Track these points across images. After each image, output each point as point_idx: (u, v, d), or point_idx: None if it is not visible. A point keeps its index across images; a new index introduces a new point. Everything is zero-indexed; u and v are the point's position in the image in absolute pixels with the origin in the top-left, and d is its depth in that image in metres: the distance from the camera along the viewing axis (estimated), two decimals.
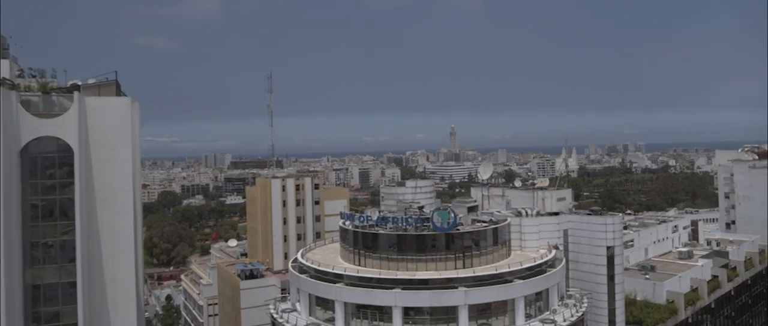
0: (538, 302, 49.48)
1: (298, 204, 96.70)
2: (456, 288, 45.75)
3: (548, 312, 49.54)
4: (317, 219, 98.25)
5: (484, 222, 54.51)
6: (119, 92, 46.07)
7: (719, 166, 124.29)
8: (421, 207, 56.42)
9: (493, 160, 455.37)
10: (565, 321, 48.40)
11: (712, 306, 74.67)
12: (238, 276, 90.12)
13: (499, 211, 59.91)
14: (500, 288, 46.44)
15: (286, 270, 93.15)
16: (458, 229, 50.43)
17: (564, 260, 53.84)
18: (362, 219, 52.77)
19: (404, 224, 50.72)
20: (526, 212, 58.06)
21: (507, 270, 48.07)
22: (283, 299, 57.54)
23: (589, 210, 60.60)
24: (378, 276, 47.51)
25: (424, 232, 50.05)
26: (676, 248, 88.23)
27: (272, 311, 53.72)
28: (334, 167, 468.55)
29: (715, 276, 78.85)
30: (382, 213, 54.58)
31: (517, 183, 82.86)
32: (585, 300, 52.84)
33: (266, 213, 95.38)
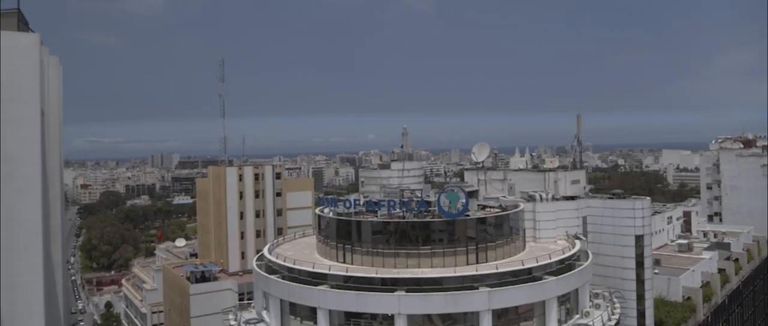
0: (566, 303, 39.92)
1: (257, 196, 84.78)
2: (476, 288, 35.58)
3: (579, 315, 40.08)
4: (279, 213, 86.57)
5: (494, 208, 44.66)
6: (24, 27, 33.71)
7: (701, 156, 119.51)
8: (413, 192, 46.07)
9: (446, 160, 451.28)
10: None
11: (726, 302, 67.37)
12: (188, 279, 77.51)
13: (504, 196, 50.20)
14: (531, 287, 36.60)
15: (244, 272, 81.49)
16: (468, 215, 40.37)
17: (589, 253, 44.51)
18: (347, 204, 41.96)
19: (402, 209, 40.26)
20: (540, 196, 48.55)
21: (535, 264, 38.22)
22: (245, 306, 46.07)
23: (610, 194, 51.69)
24: (374, 275, 36.76)
25: (428, 219, 39.76)
26: (672, 240, 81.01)
27: (232, 322, 42.23)
28: (286, 166, 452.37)
29: (721, 270, 71.79)
30: (368, 197, 43.91)
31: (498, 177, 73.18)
32: (616, 301, 43.69)
33: (220, 206, 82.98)
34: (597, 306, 42.19)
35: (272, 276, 40.04)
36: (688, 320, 57.94)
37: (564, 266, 39.86)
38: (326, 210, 44.14)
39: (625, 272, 48.01)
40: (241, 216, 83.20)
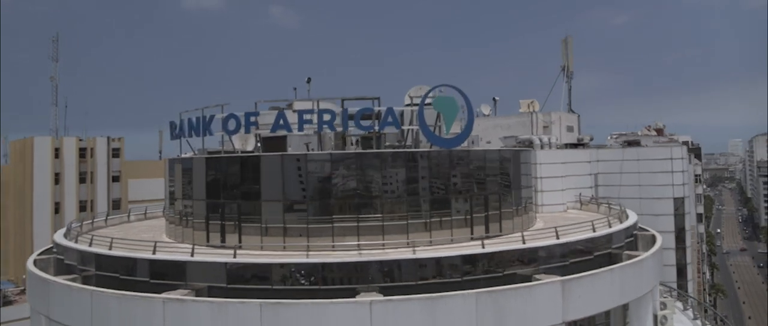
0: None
1: (83, 180, 58.95)
2: (528, 278, 16.64)
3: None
4: (116, 206, 61.14)
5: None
6: None
7: None
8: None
9: None
10: None
11: None
12: None
13: (488, 142, 32.21)
14: (615, 275, 18.28)
15: None
16: (470, 149, 21.70)
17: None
18: (231, 125, 20.76)
19: (342, 128, 20.37)
20: (541, 141, 31.09)
21: (604, 232, 20.22)
22: None
23: (624, 142, 35.96)
24: (305, 260, 16.38)
25: (401, 149, 20.40)
26: None
27: None
28: None
29: None
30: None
31: None
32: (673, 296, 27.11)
33: (25, 197, 56.20)
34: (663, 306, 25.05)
35: (69, 282, 17.91)
36: None
37: (631, 242, 22.37)
38: (188, 153, 23.09)
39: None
40: (57, 209, 56.94)
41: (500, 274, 17.41)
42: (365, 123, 20.68)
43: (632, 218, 23.63)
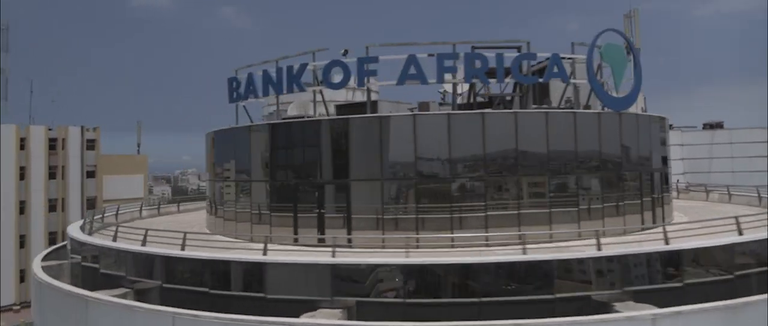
0: None
1: (52, 176, 51.57)
2: None
3: None
4: (91, 205, 53.87)
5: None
6: None
7: None
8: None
9: None
10: None
11: None
12: None
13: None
14: None
15: (24, 304, 47.57)
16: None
17: None
18: (337, 72, 15.50)
19: (480, 82, 15.50)
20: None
21: None
22: None
23: (705, 124, 32.07)
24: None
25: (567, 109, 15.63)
26: None
27: None
28: None
29: None
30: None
31: None
32: None
33: None
34: None
35: (112, 298, 12.14)
36: None
37: None
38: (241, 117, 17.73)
39: None
40: (22, 209, 49.37)
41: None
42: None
43: None
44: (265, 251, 11.84)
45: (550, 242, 13.59)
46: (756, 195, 22.09)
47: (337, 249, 11.69)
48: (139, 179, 60.56)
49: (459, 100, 19.45)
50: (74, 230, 16.93)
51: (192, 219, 22.25)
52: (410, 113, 15.02)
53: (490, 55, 14.79)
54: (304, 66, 15.40)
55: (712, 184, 28.30)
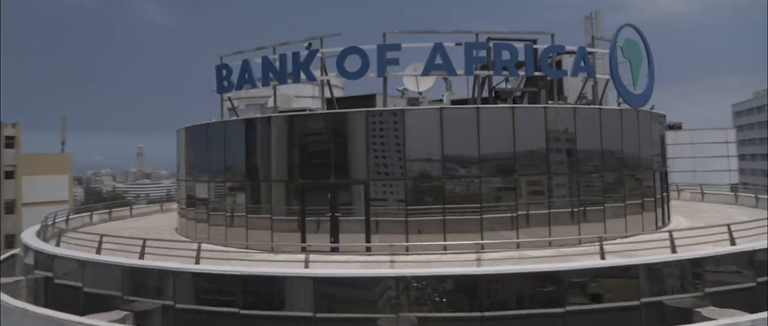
0: None
1: None
2: None
3: None
4: (9, 209, 49.00)
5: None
6: None
7: None
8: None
9: None
10: None
11: None
12: None
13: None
14: None
15: None
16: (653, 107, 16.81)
17: None
18: (353, 59, 14.10)
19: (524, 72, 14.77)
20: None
21: None
22: None
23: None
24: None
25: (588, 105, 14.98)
26: None
27: None
28: None
29: None
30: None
31: None
32: None
33: None
34: None
35: (110, 323, 10.20)
36: None
37: None
38: (237, 105, 16.04)
39: None
40: None
41: None
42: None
43: None
44: (306, 263, 10.30)
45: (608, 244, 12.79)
46: (730, 193, 22.57)
47: (395, 257, 10.35)
48: (64, 180, 55.63)
49: (451, 97, 18.57)
50: (33, 239, 14.48)
51: (159, 225, 20.05)
52: (436, 107, 13.92)
53: (519, 46, 13.96)
54: (314, 52, 13.91)
55: (679, 184, 29.02)
